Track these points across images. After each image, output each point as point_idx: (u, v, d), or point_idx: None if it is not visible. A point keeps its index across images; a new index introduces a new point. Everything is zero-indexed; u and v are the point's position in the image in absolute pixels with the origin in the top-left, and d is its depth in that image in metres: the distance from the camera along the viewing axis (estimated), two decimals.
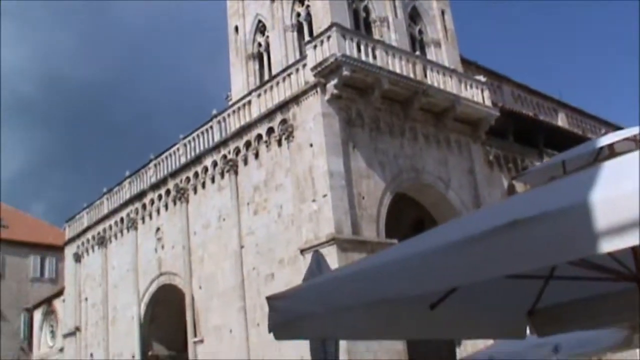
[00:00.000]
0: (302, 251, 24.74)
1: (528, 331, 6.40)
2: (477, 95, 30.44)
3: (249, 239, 28.20)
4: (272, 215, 27.10)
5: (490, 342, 15.70)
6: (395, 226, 26.79)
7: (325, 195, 24.57)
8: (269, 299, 4.79)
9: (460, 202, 28.78)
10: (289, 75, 27.78)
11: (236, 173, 29.32)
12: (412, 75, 27.97)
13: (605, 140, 7.37)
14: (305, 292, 4.88)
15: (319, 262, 8.56)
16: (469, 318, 5.99)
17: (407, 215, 30.38)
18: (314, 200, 25.01)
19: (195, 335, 30.89)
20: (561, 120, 42.77)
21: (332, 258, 22.73)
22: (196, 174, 31.93)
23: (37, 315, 50.99)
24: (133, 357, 35.74)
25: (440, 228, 5.12)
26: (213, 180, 30.81)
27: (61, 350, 44.91)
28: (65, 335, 43.72)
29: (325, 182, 24.63)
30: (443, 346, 28.67)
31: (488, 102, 30.94)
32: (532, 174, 9.29)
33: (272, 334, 4.97)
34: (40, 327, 50.40)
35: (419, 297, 5.12)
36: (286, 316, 4.71)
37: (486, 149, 31.46)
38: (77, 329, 42.12)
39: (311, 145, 25.57)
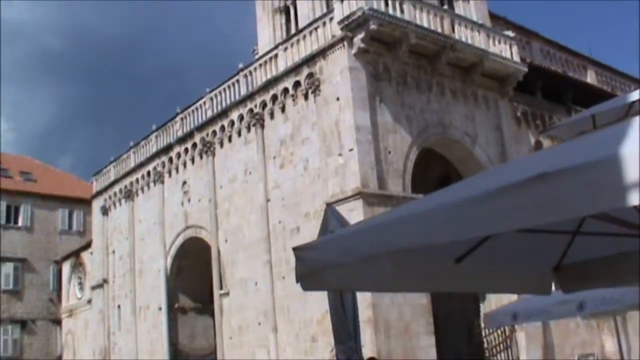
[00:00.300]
0: (328, 205, 24.74)
1: (553, 287, 6.37)
2: (505, 50, 30.10)
3: (275, 192, 28.27)
4: (298, 169, 27.12)
5: (514, 297, 15.75)
6: (421, 181, 26.73)
7: (351, 149, 24.53)
8: (296, 249, 4.78)
9: (487, 158, 28.62)
10: (315, 29, 27.59)
11: (262, 127, 29.31)
12: (439, 30, 27.70)
13: (637, 95, 7.25)
14: (331, 242, 4.87)
15: (333, 215, 8.56)
16: (494, 272, 5.96)
17: (433, 171, 30.30)
18: (340, 154, 24.98)
19: (221, 288, 31.15)
20: (590, 77, 42.30)
21: (358, 212, 22.81)
22: (222, 128, 31.96)
23: (66, 267, 51.55)
24: (160, 308, 36.15)
25: (467, 181, 5.09)
26: (239, 133, 30.83)
27: (89, 301, 45.50)
28: (93, 287, 44.28)
29: (352, 136, 24.58)
30: (467, 302, 28.74)
31: (516, 58, 30.61)
32: (561, 128, 9.15)
33: (298, 287, 4.98)
34: (68, 279, 50.97)
35: (445, 251, 5.11)
36: (313, 267, 4.71)
37: (514, 105, 31.19)
38: (105, 281, 42.61)
39: (338, 99, 25.47)
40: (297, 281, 4.87)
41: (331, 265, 4.67)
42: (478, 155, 28.59)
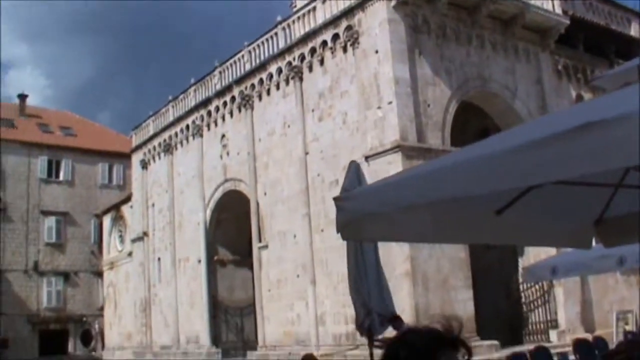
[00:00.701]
0: (367, 158, 24.72)
1: (594, 242, 6.31)
2: (547, 3, 29.54)
3: (313, 145, 28.26)
4: (337, 121, 27.06)
5: (553, 252, 15.65)
6: (460, 135, 26.53)
7: (390, 102, 24.40)
8: (337, 199, 4.77)
9: (527, 111, 28.28)
10: None
11: (301, 80, 29.23)
12: None
13: None
14: (372, 192, 4.86)
15: (357, 172, 8.50)
16: (535, 225, 5.92)
17: (473, 125, 30.04)
18: (379, 107, 24.86)
19: (259, 241, 31.36)
20: (634, 31, 41.44)
21: (397, 165, 22.75)
22: (261, 81, 31.92)
23: (106, 220, 52.16)
24: (199, 261, 36.53)
25: (507, 132, 5.03)
26: (278, 87, 30.79)
27: (130, 254, 46.08)
28: (134, 240, 44.82)
29: (391, 89, 24.43)
30: (505, 256, 28.65)
31: (558, 10, 30.05)
32: (605, 79, 9.00)
33: (336, 239, 5.00)
34: (109, 232, 51.60)
35: (485, 202, 5.07)
36: (353, 216, 4.70)
37: (555, 58, 30.70)
38: (145, 234, 43.10)
39: (376, 51, 25.28)
40: (338, 231, 4.87)
41: (371, 215, 4.66)
42: (518, 108, 28.27)
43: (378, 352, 15.28)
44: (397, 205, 4.43)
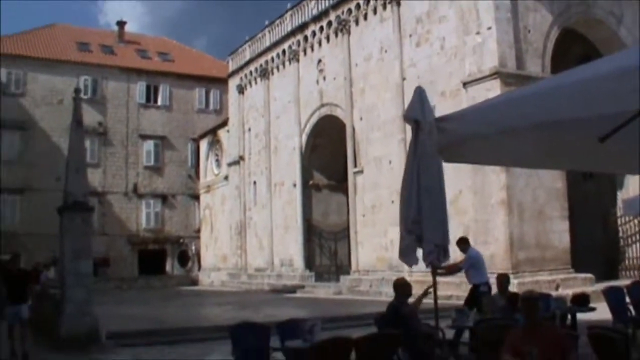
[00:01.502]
0: (465, 84, 24.42)
1: None
2: None
3: (410, 71, 28.02)
4: (435, 47, 26.71)
5: None
6: (561, 63, 25.79)
7: (489, 28, 23.91)
8: (438, 120, 4.77)
9: (632, 39, 27.22)
10: None
11: (398, 4, 28.85)
12: None
13: None
14: (474, 113, 4.83)
15: (421, 97, 8.40)
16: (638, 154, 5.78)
17: (574, 53, 29.16)
18: (477, 33, 24.40)
19: (355, 166, 31.47)
20: None
21: (495, 92, 22.36)
22: (358, 5, 31.65)
23: (203, 144, 52.96)
24: (294, 185, 36.91)
25: (616, 55, 4.92)
26: (375, 11, 30.49)
27: (226, 178, 46.84)
28: (230, 164, 45.49)
29: (490, 14, 23.92)
30: (604, 188, 28.14)
31: None
32: None
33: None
34: (206, 156, 52.43)
35: (589, 128, 4.98)
36: (454, 138, 4.70)
37: None
38: (241, 158, 43.68)
39: None
40: (439, 153, 4.88)
41: (472, 137, 4.64)
42: (623, 36, 27.30)
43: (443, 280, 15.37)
44: (499, 128, 4.41)
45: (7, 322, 14.83)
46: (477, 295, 13.18)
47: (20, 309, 14.75)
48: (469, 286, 14.19)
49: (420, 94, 8.45)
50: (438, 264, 9.26)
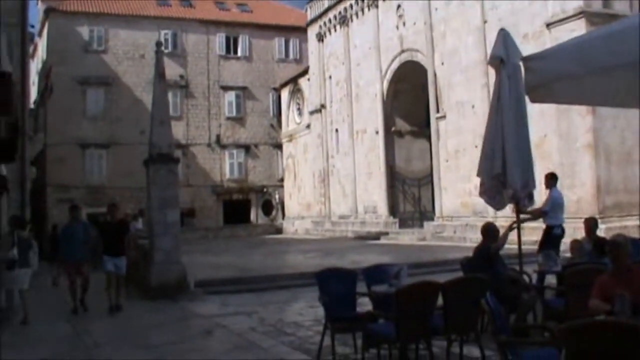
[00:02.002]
0: (548, 25, 23.85)
1: None
2: None
3: (492, 13, 27.49)
4: None
5: None
6: None
7: None
8: (526, 59, 4.64)
9: None
10: None
11: None
12: None
13: None
14: (562, 51, 4.67)
15: (506, 39, 8.17)
16: None
17: None
18: None
19: (437, 111, 31.19)
20: None
21: (580, 33, 21.63)
22: None
23: (284, 94, 53.09)
24: (376, 132, 36.82)
25: None
26: None
27: (308, 126, 46.96)
28: (311, 112, 45.57)
29: None
30: None
31: None
32: None
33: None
34: (287, 105, 52.57)
35: None
36: (541, 78, 4.56)
37: None
38: (322, 106, 43.70)
39: None
40: (526, 93, 4.75)
41: (561, 76, 4.50)
42: None
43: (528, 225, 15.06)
44: (591, 66, 4.25)
45: (104, 272, 14.78)
46: (551, 237, 12.91)
47: (118, 262, 14.75)
48: None
49: (505, 36, 8.28)
50: (523, 208, 9.15)
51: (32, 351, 11.34)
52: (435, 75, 31.26)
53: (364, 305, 9.69)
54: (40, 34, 51.52)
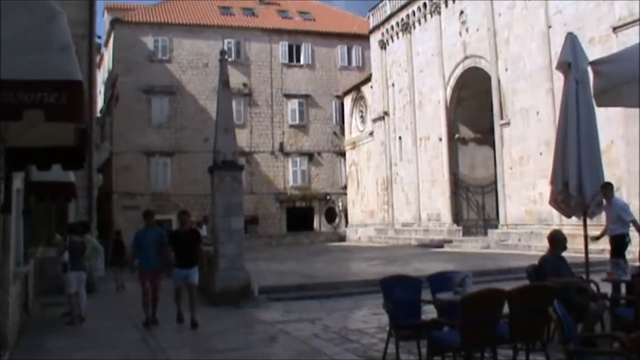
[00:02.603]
0: (615, 29, 23.49)
1: None
2: None
3: (556, 18, 27.18)
4: None
5: None
6: None
7: None
8: (594, 63, 4.57)
9: None
10: None
11: None
12: None
13: None
14: (633, 54, 4.59)
15: (574, 43, 8.05)
16: None
17: None
18: None
19: (501, 118, 30.93)
20: None
21: None
22: None
23: (347, 101, 53.13)
24: (440, 139, 36.64)
25: None
26: None
27: (371, 134, 46.96)
28: (374, 120, 45.59)
29: None
30: None
31: None
32: None
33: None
34: (350, 113, 52.60)
35: None
36: (610, 81, 4.48)
37: None
38: (385, 113, 43.67)
39: None
40: (594, 97, 4.68)
41: (632, 78, 4.42)
42: None
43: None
44: None
45: (174, 285, 14.30)
46: (617, 246, 12.65)
47: (189, 274, 14.08)
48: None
49: (572, 40, 8.18)
50: (592, 216, 9.02)
51: (98, 354, 11.54)
52: (499, 81, 31.01)
53: (429, 312, 9.63)
54: (106, 45, 52.40)
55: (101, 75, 55.03)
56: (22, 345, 12.22)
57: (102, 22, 53.07)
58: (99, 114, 48.18)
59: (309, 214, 53.43)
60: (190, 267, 14.12)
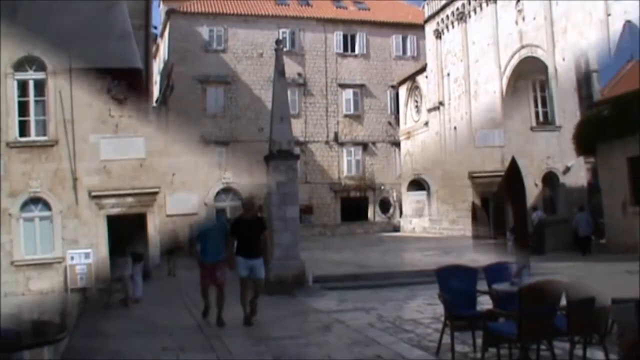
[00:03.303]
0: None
1: None
2: None
3: (616, 5, 26.69)
4: None
5: None
6: None
7: None
8: None
9: None
10: None
11: None
12: None
13: None
14: None
15: (630, 31, 7.93)
16: None
17: None
18: None
19: None
20: None
21: None
22: None
23: (402, 91, 52.87)
24: None
25: None
26: None
27: (426, 124, 46.70)
28: (430, 110, 45.34)
29: None
30: None
31: None
32: None
33: None
34: (405, 103, 52.33)
35: None
36: None
37: None
38: (441, 103, 43.43)
39: None
40: None
41: None
42: None
43: None
44: None
45: (239, 277, 12.94)
46: None
47: (255, 265, 12.84)
48: None
49: (629, 29, 8.07)
50: None
51: (155, 339, 11.70)
52: (556, 71, 30.60)
53: (484, 303, 9.59)
54: (162, 35, 52.93)
55: (157, 66, 55.52)
56: (80, 330, 12.45)
57: (158, 12, 53.51)
58: (155, 104, 48.75)
59: (363, 204, 53.39)
60: (256, 257, 12.93)
